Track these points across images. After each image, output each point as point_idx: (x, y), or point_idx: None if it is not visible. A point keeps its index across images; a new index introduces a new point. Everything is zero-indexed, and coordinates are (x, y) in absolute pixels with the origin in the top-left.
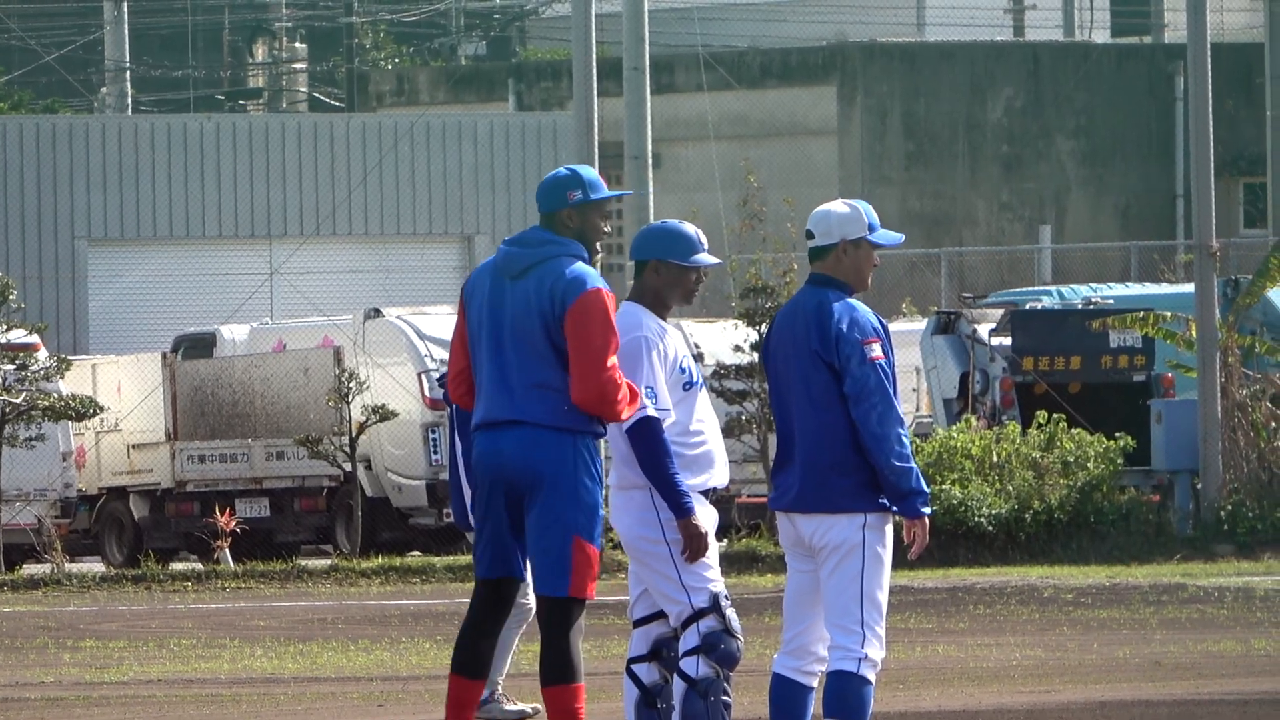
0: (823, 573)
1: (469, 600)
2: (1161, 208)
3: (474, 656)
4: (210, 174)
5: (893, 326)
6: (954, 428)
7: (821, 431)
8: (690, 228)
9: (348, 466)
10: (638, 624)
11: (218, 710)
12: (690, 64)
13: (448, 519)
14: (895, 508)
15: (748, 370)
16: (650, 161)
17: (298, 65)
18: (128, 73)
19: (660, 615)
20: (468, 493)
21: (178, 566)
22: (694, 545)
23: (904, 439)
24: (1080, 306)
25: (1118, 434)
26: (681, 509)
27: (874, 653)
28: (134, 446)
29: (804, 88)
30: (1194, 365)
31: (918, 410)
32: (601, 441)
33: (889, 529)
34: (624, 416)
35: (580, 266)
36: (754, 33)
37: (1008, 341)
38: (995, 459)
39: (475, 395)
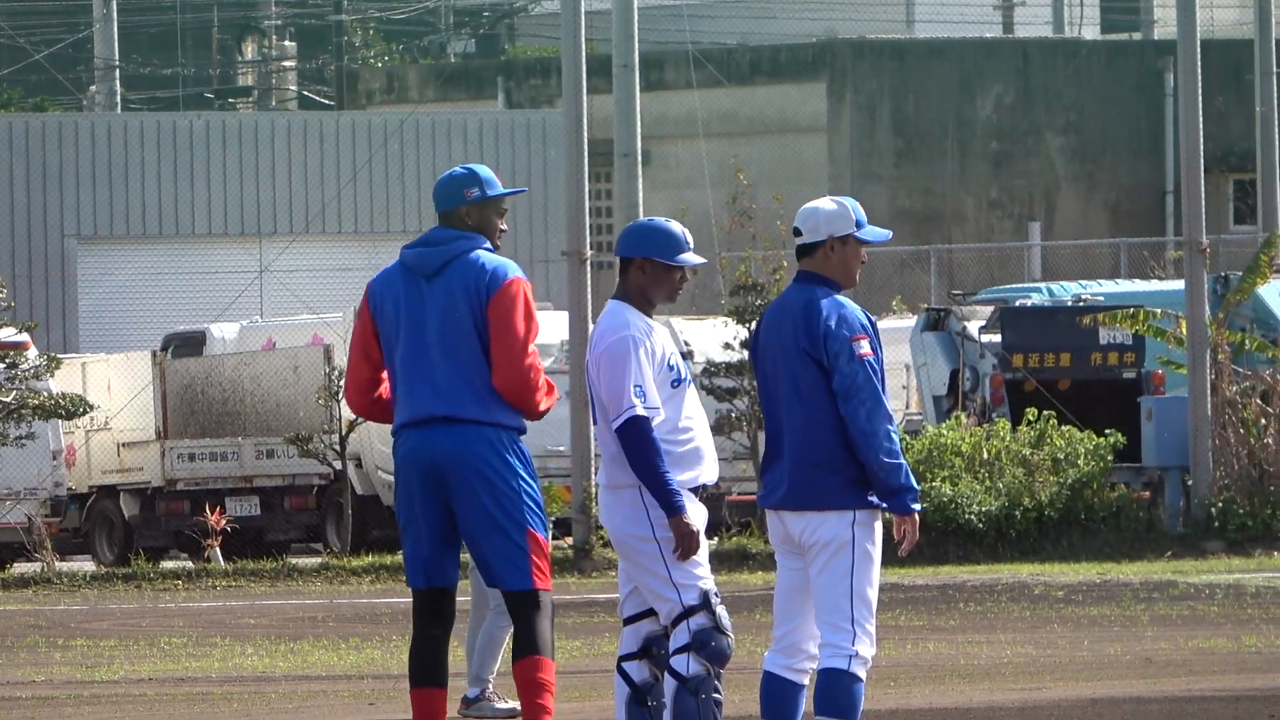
0: (812, 570)
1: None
2: (1151, 204)
3: (432, 667)
4: (200, 172)
5: (882, 324)
6: (944, 425)
7: (810, 429)
8: (676, 226)
9: (338, 464)
10: (628, 622)
11: (209, 709)
12: (680, 61)
13: None
14: (885, 504)
15: (738, 368)
16: (640, 159)
17: (287, 63)
18: (117, 71)
19: (650, 613)
20: None
21: (168, 565)
22: (685, 543)
23: (893, 435)
24: (1070, 303)
25: (1108, 431)
26: (672, 507)
27: (864, 650)
28: (124, 445)
29: (793, 85)
30: (1184, 362)
31: (908, 407)
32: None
33: (878, 526)
34: (542, 409)
35: (498, 257)
36: (743, 30)
37: (998, 338)
38: (985, 456)
39: (391, 400)
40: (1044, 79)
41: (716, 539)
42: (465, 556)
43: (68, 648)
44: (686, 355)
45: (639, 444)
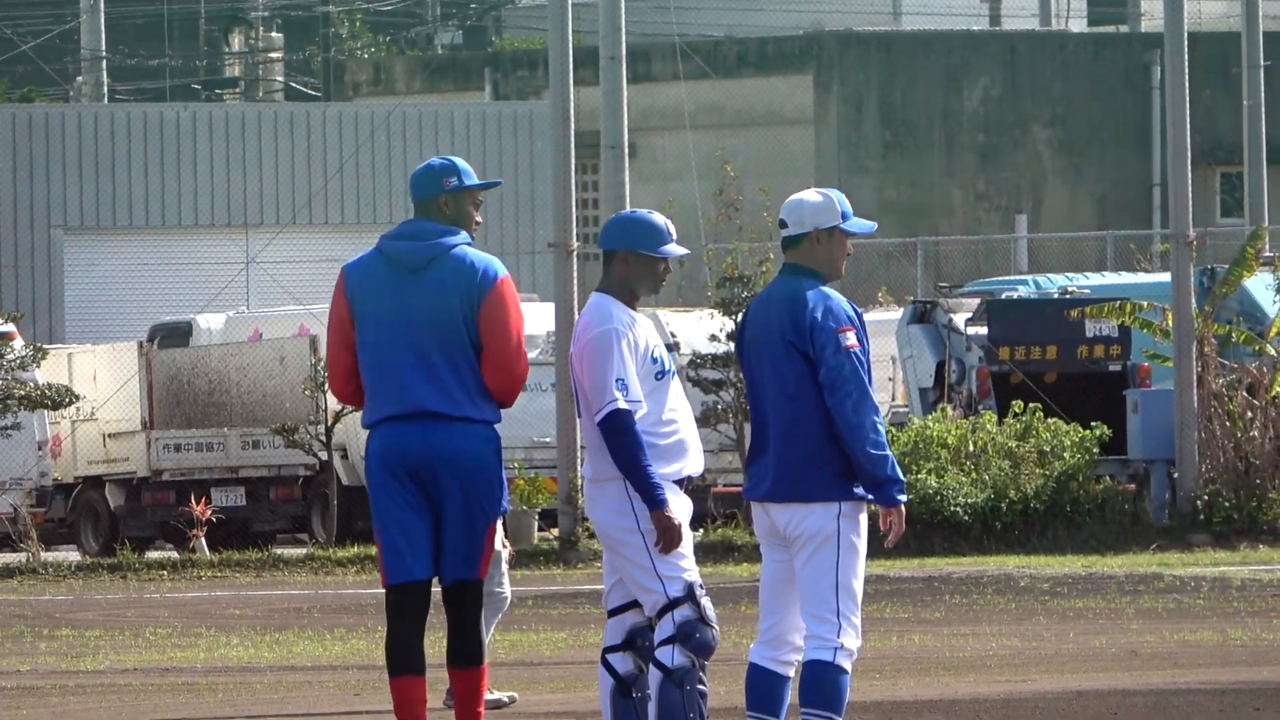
0: (798, 562)
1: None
2: (1138, 197)
3: (409, 656)
4: (186, 163)
5: (869, 315)
6: (930, 417)
7: (796, 421)
8: (659, 218)
9: (324, 455)
10: (613, 613)
11: (194, 699)
12: (667, 53)
13: None
14: (871, 496)
15: (724, 359)
16: (626, 151)
17: (274, 54)
18: (104, 62)
19: (635, 605)
20: None
21: (153, 555)
22: (667, 536)
23: (879, 427)
24: (1056, 296)
25: (1094, 423)
26: (654, 500)
27: (850, 642)
28: (110, 435)
29: (780, 77)
30: (1170, 355)
31: (894, 399)
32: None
33: (864, 518)
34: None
35: (484, 255)
36: (730, 22)
37: (984, 331)
38: (971, 448)
39: (365, 389)
40: (1031, 72)
41: (702, 531)
42: None
43: (53, 638)
44: (673, 347)
45: (621, 437)
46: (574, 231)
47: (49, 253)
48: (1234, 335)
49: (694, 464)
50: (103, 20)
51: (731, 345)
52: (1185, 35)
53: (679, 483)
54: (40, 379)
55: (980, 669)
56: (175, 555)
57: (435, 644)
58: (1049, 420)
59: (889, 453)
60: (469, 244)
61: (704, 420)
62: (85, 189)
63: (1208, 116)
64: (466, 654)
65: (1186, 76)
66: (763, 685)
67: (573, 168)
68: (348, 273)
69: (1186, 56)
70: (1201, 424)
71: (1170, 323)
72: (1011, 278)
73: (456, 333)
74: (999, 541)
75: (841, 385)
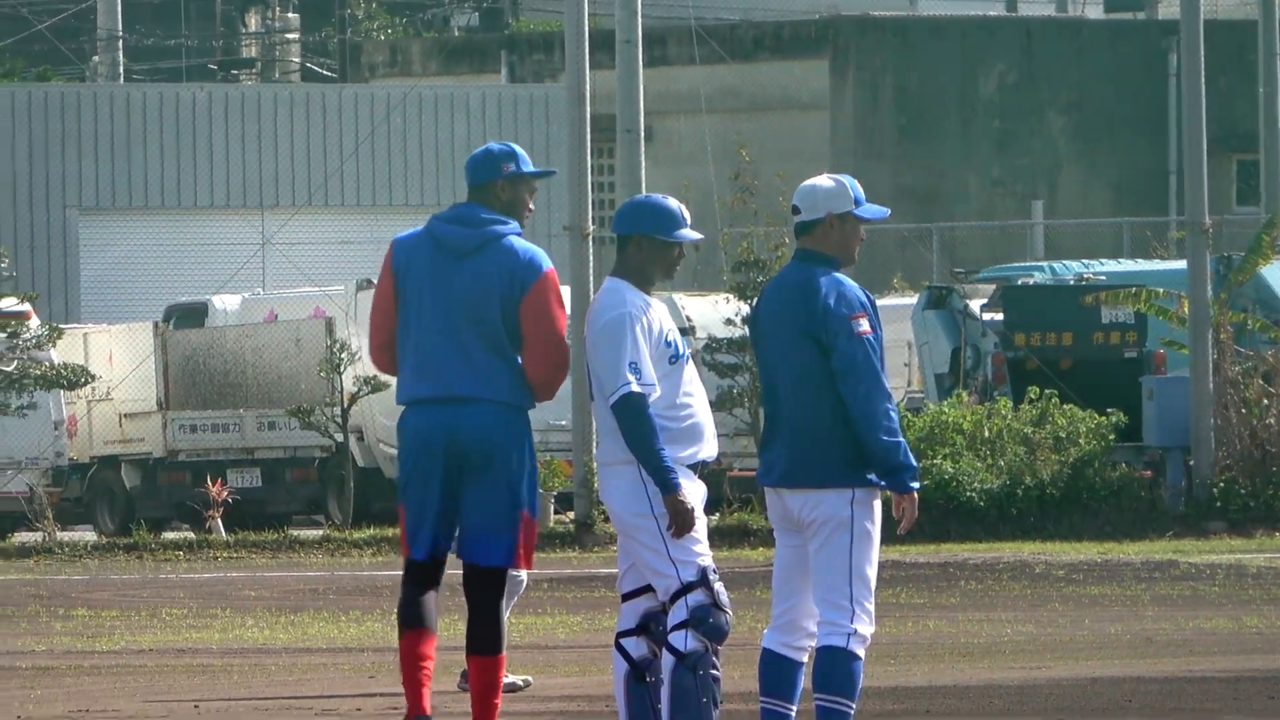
0: (811, 548)
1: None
2: (1154, 184)
3: (419, 611)
4: (202, 144)
5: (884, 301)
6: (945, 403)
7: (809, 407)
8: (673, 202)
9: (339, 437)
10: (626, 598)
11: (209, 680)
12: (683, 37)
13: None
14: (883, 483)
15: (739, 344)
16: (642, 134)
17: (290, 35)
18: (120, 42)
19: (649, 589)
20: None
21: (169, 536)
22: (680, 521)
23: (891, 414)
24: (1072, 282)
25: (1110, 410)
26: (667, 485)
27: (863, 628)
28: (126, 416)
29: (796, 61)
30: (1186, 342)
31: (909, 385)
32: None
33: (877, 504)
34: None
35: (531, 247)
36: (746, 5)
37: (1000, 317)
38: (987, 434)
39: (401, 365)
40: (1047, 58)
41: (717, 515)
42: None
43: (68, 618)
44: (688, 331)
45: (634, 421)
46: (589, 215)
47: (64, 232)
48: (1250, 322)
49: (708, 449)
50: None
51: (746, 329)
52: (1201, 22)
53: (693, 467)
54: (56, 359)
55: (995, 655)
56: (191, 536)
57: (452, 626)
58: (1065, 406)
59: (901, 439)
60: (519, 234)
61: (720, 404)
62: (101, 169)
63: (1224, 104)
64: (484, 640)
65: (1203, 64)
66: (776, 671)
67: (588, 151)
68: (397, 247)
69: (1203, 44)
70: (1217, 411)
71: (1186, 310)
72: (1027, 264)
73: (496, 321)
74: (1014, 527)
75: (854, 372)
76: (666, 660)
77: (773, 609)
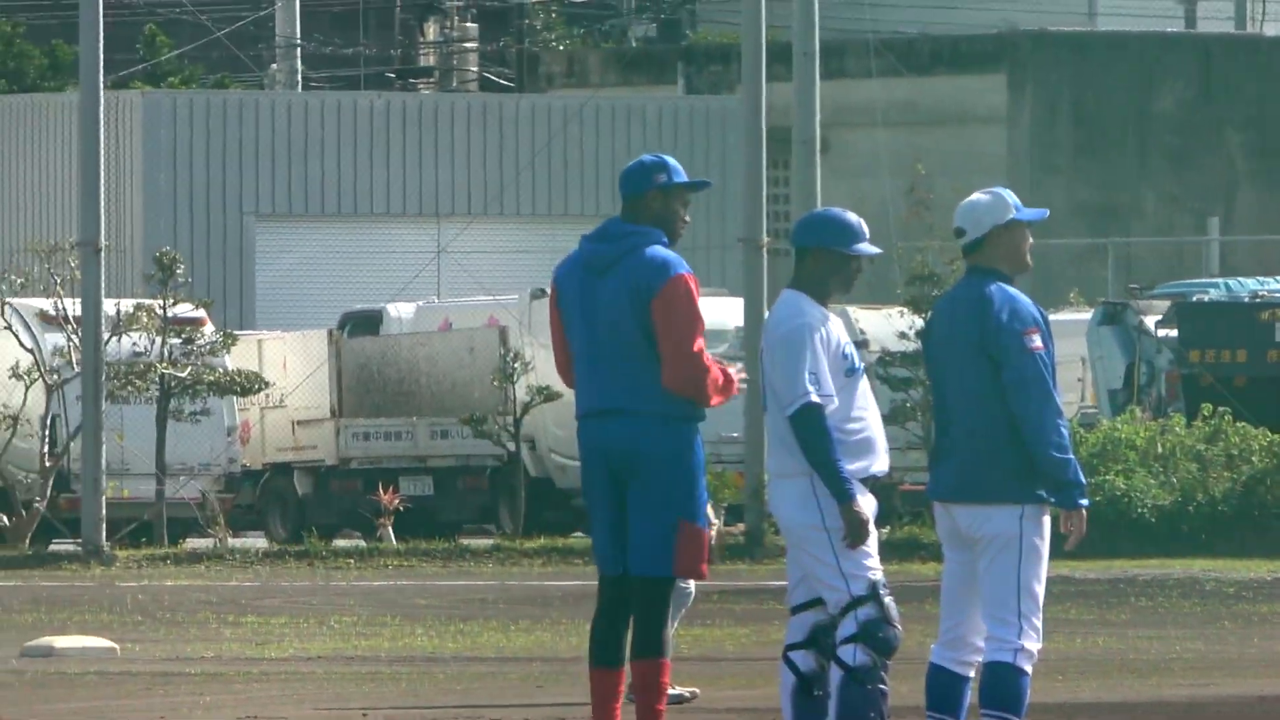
0: (980, 564)
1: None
2: None
3: (610, 648)
4: (379, 152)
5: (1059, 316)
6: (1119, 418)
7: (980, 422)
8: (852, 216)
9: (511, 446)
10: (795, 610)
11: (377, 688)
12: (860, 50)
13: None
14: (1053, 499)
15: (913, 357)
16: (818, 146)
17: (469, 45)
18: (298, 49)
19: (818, 602)
20: None
21: (340, 543)
22: (855, 532)
23: (1063, 430)
24: (1247, 299)
25: None
26: (844, 495)
27: (1030, 644)
28: (299, 423)
29: (973, 75)
30: None
31: (1082, 400)
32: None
33: (1047, 520)
34: (715, 402)
35: (662, 252)
36: (924, 19)
37: (1174, 333)
38: (1159, 450)
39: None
40: (1225, 74)
41: (887, 529)
42: None
43: (239, 624)
44: (861, 344)
45: (812, 432)
46: (764, 226)
47: (241, 239)
48: None
49: (880, 462)
50: (298, 7)
51: (920, 343)
52: None
53: (865, 481)
54: (230, 365)
55: (1163, 672)
56: (362, 543)
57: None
58: (1238, 424)
59: (1071, 456)
60: (660, 243)
61: (892, 418)
62: (278, 176)
63: None
64: (644, 645)
65: None
66: (943, 686)
67: (764, 163)
68: (556, 278)
69: None
70: None
71: None
72: (1203, 280)
73: (630, 332)
74: (1185, 544)
75: (1025, 387)
76: (835, 674)
77: (941, 624)
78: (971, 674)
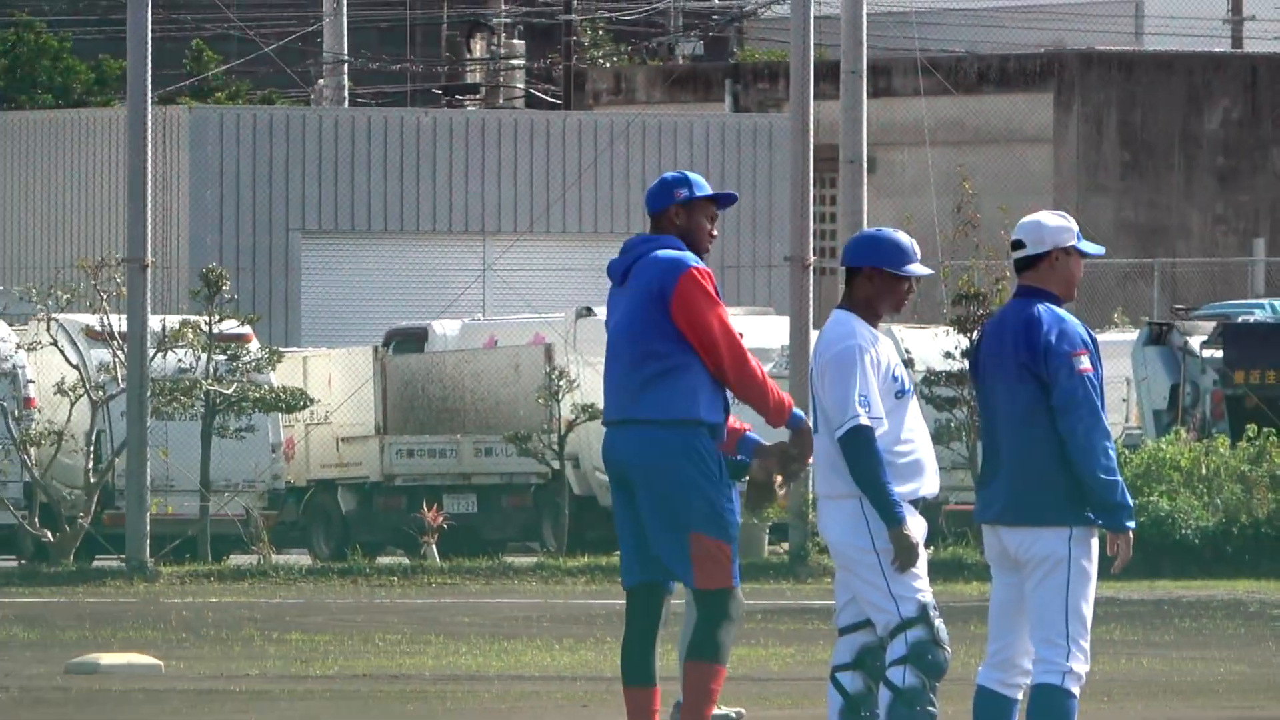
0: (1028, 586)
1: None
2: None
3: (641, 666)
4: (425, 168)
5: (1104, 336)
6: (1163, 439)
7: (1028, 444)
8: (904, 237)
9: (556, 464)
10: (844, 631)
11: (422, 706)
12: (907, 68)
13: None
14: (1100, 521)
15: (958, 377)
16: (865, 165)
17: (515, 61)
18: (345, 65)
19: (866, 624)
20: None
21: (384, 561)
22: (905, 555)
23: (1110, 452)
24: None
25: None
26: (893, 518)
27: (1078, 666)
28: (343, 440)
29: (1021, 94)
30: None
31: (1127, 421)
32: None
33: (1095, 542)
34: (759, 378)
35: (670, 253)
36: (972, 38)
37: (1219, 354)
38: (1204, 471)
39: None
40: (1273, 94)
41: (932, 549)
42: None
43: (282, 641)
44: (907, 364)
45: (862, 453)
46: (811, 245)
47: (287, 255)
48: None
49: (929, 484)
50: (345, 23)
51: (965, 363)
52: None
53: (914, 503)
54: (275, 382)
55: (1208, 694)
56: (406, 561)
57: (663, 655)
58: None
59: (1119, 478)
60: (673, 246)
61: (937, 438)
62: (324, 192)
63: None
64: (697, 646)
65: None
66: (990, 708)
67: (811, 181)
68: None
69: None
70: None
71: None
72: (1249, 301)
73: (650, 337)
74: (1229, 566)
75: (1074, 409)
76: (883, 695)
77: (988, 645)
78: (1019, 696)
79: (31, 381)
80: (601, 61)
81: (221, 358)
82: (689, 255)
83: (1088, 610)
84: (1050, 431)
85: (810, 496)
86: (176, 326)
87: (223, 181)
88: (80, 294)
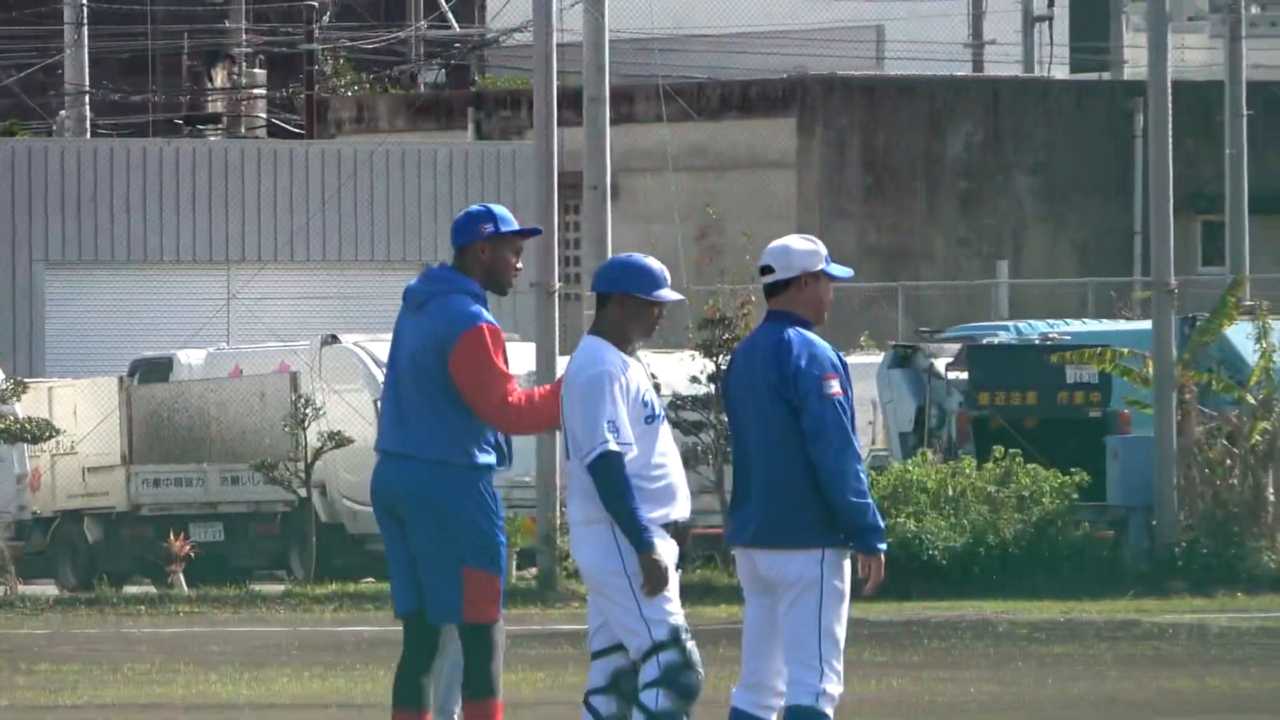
0: (781, 608)
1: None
2: (1119, 245)
3: (412, 690)
4: (169, 199)
5: (850, 359)
6: (910, 461)
7: (780, 467)
8: (654, 262)
9: (303, 492)
10: (596, 656)
11: None
12: (650, 95)
13: None
14: (852, 543)
15: (704, 401)
16: (609, 192)
17: (257, 91)
18: (87, 96)
19: (619, 647)
20: None
21: (132, 590)
22: (654, 579)
23: (861, 475)
24: (1037, 342)
25: (1073, 469)
26: (642, 543)
27: (832, 687)
28: (89, 469)
29: (763, 120)
30: (1150, 402)
31: (874, 443)
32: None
33: (846, 564)
34: (537, 428)
35: (465, 305)
36: (714, 64)
37: (964, 376)
38: (950, 493)
39: None
40: (1013, 118)
41: (681, 571)
42: None
43: (31, 672)
44: (654, 389)
45: (611, 480)
46: (556, 272)
47: (30, 287)
48: (1214, 383)
49: (681, 509)
50: (86, 54)
51: (711, 387)
52: (1169, 83)
53: (666, 527)
54: (20, 413)
55: (959, 714)
56: (153, 590)
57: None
58: (1028, 466)
59: (870, 501)
60: (469, 292)
61: (685, 462)
62: (68, 223)
63: (1190, 165)
64: (470, 686)
65: (1170, 125)
66: None
67: (556, 208)
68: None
69: (1170, 105)
70: (1181, 471)
71: (1150, 370)
72: (992, 323)
73: (427, 373)
74: (977, 586)
75: (824, 433)
76: (637, 718)
77: (742, 667)
78: (773, 717)
79: None
80: (344, 90)
81: None
82: (480, 311)
83: (841, 631)
84: (801, 455)
85: (558, 521)
86: None
87: None
88: None
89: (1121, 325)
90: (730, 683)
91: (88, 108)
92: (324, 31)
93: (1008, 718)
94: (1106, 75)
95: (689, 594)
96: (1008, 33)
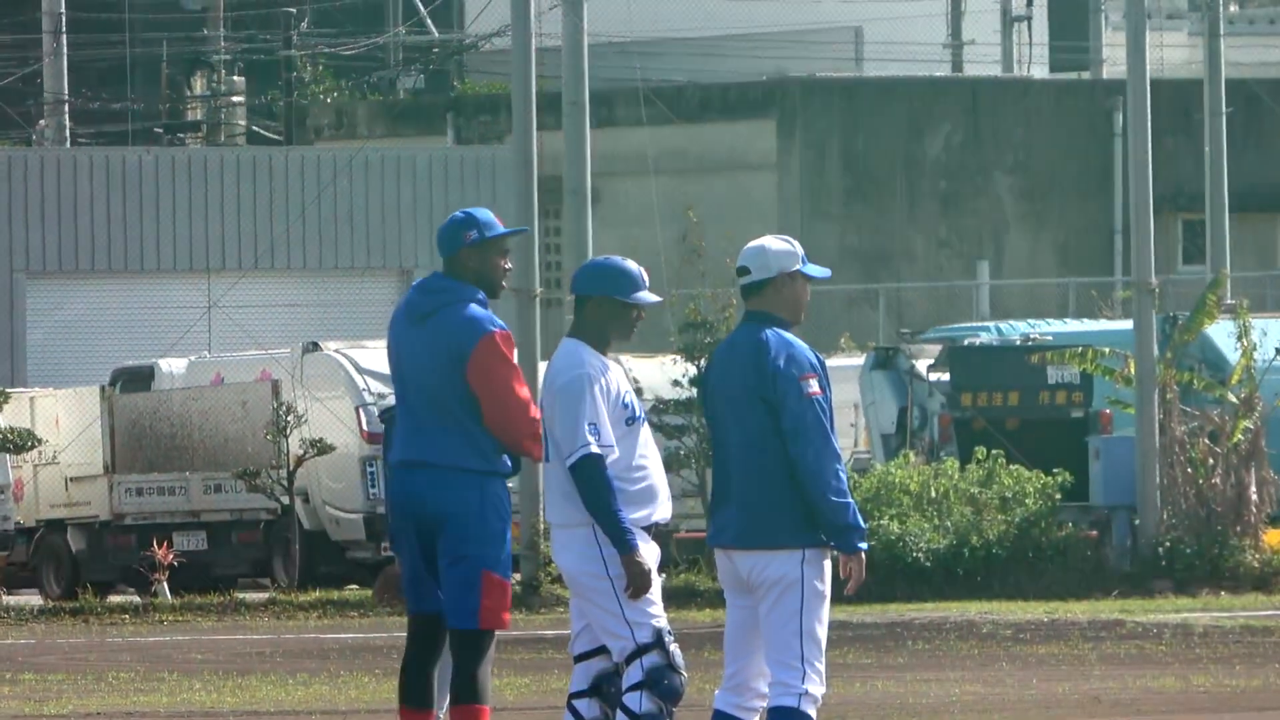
0: (762, 609)
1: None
2: (1100, 244)
3: (418, 688)
4: (149, 207)
5: (831, 361)
6: (892, 463)
7: (759, 468)
8: (632, 265)
9: (285, 500)
10: (579, 659)
11: None
12: (630, 98)
13: (385, 552)
14: (832, 543)
15: (686, 405)
16: (589, 196)
17: (236, 98)
18: (66, 105)
19: (602, 650)
20: None
21: (115, 599)
22: (637, 581)
23: (841, 475)
24: (1018, 342)
25: (1056, 470)
26: (625, 545)
27: (814, 688)
28: (72, 479)
29: (743, 122)
30: (1132, 401)
31: (856, 445)
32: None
33: (827, 564)
34: (538, 454)
35: (474, 312)
36: (693, 67)
37: (946, 377)
38: (933, 494)
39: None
40: (993, 118)
41: (663, 575)
42: None
43: (15, 682)
44: (636, 392)
45: (592, 482)
46: (537, 276)
47: (11, 296)
48: (1195, 382)
49: (663, 510)
50: (65, 63)
51: (694, 391)
52: (1148, 82)
53: (647, 529)
54: (2, 423)
55: (943, 715)
56: (137, 599)
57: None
58: (1011, 466)
59: (850, 500)
60: (475, 300)
61: (667, 465)
62: (48, 233)
63: (1169, 163)
64: (459, 691)
65: (1149, 123)
66: None
67: (536, 212)
68: (390, 323)
69: (1149, 103)
70: (1163, 470)
71: (1132, 369)
72: (973, 324)
73: (442, 386)
74: (961, 587)
75: (803, 433)
76: None
77: (724, 669)
78: (755, 719)
79: None
80: (322, 97)
81: None
82: (490, 318)
83: (822, 632)
84: (781, 455)
85: (541, 526)
86: None
87: None
88: None
89: (1103, 325)
90: (713, 686)
91: (67, 117)
92: (302, 37)
93: (992, 718)
94: (1086, 74)
95: (673, 598)
96: (987, 33)
